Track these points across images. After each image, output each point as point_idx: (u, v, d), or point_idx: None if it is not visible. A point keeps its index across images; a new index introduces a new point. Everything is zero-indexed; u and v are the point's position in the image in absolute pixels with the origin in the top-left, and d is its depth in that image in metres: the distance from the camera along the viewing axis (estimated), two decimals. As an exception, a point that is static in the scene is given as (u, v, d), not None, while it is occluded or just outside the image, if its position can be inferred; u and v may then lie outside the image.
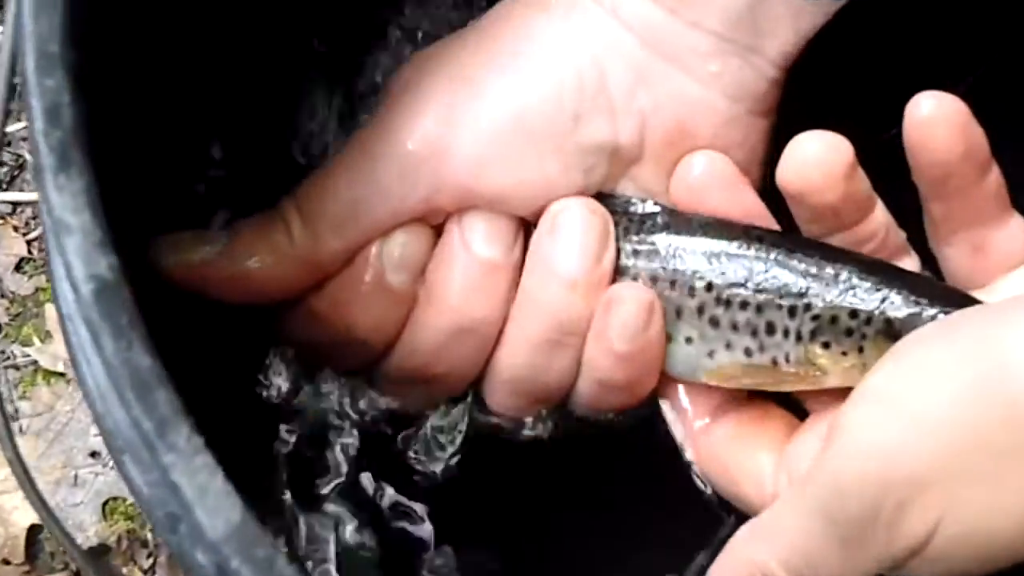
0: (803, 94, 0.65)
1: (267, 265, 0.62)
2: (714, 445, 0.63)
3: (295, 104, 0.67)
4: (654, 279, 0.63)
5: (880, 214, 0.62)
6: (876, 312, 0.59)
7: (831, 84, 0.71)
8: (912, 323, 0.58)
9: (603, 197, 0.64)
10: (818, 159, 0.59)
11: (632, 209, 0.64)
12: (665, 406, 0.64)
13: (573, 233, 0.61)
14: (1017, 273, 0.61)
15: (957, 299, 0.59)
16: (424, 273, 0.63)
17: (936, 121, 0.58)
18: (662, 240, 0.63)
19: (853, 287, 0.60)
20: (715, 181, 0.63)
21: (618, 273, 0.63)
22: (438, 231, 0.64)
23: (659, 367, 0.63)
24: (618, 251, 0.63)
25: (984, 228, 0.60)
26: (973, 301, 0.59)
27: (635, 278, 0.63)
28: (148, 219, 0.57)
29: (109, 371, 0.35)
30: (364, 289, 0.63)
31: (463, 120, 0.61)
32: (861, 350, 0.60)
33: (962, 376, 0.50)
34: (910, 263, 0.63)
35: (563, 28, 0.62)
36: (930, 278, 0.62)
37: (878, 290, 0.60)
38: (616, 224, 0.63)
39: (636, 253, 0.63)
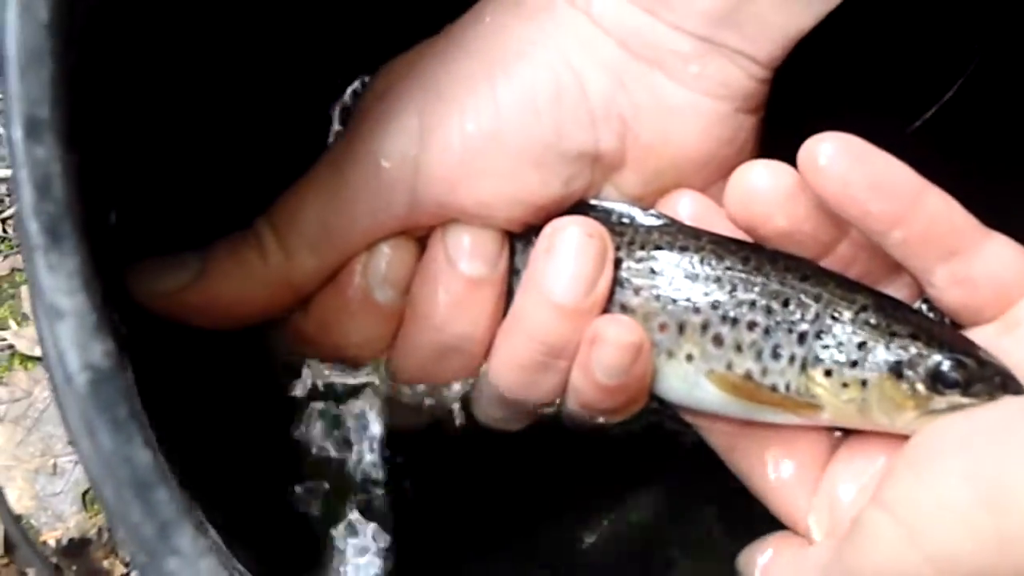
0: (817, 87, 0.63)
1: (242, 287, 0.60)
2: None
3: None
4: (656, 295, 0.61)
5: (858, 236, 0.60)
6: (882, 347, 0.58)
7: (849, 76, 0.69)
8: (917, 364, 0.57)
9: (603, 209, 0.62)
10: (759, 187, 0.59)
11: (636, 220, 0.62)
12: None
13: (568, 258, 0.59)
14: (1021, 304, 0.59)
15: (960, 345, 0.58)
16: (410, 289, 0.61)
17: (832, 170, 0.56)
18: (667, 255, 0.61)
19: (866, 320, 0.58)
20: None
21: (620, 286, 0.61)
22: (422, 243, 0.62)
23: (645, 395, 0.61)
24: (620, 263, 0.61)
25: (958, 259, 0.58)
26: (973, 349, 0.58)
27: (637, 292, 0.61)
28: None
29: (108, 468, 0.33)
30: (351, 307, 0.61)
31: (437, 136, 0.59)
32: (864, 384, 0.58)
33: (985, 529, 0.49)
34: (900, 285, 0.62)
35: (538, 34, 0.59)
36: (939, 323, 0.60)
37: (888, 326, 0.58)
38: (620, 234, 0.61)
39: (639, 266, 0.61)
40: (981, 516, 0.50)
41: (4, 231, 1.08)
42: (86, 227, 0.34)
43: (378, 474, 0.67)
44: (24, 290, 1.05)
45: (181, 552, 0.32)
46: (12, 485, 1.00)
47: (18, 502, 0.98)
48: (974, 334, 0.59)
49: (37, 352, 1.02)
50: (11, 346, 1.03)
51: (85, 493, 0.98)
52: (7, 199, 1.08)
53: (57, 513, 0.97)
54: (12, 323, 1.04)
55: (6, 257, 1.07)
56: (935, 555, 0.51)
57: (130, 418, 0.33)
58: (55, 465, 0.99)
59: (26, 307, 1.04)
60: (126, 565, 0.96)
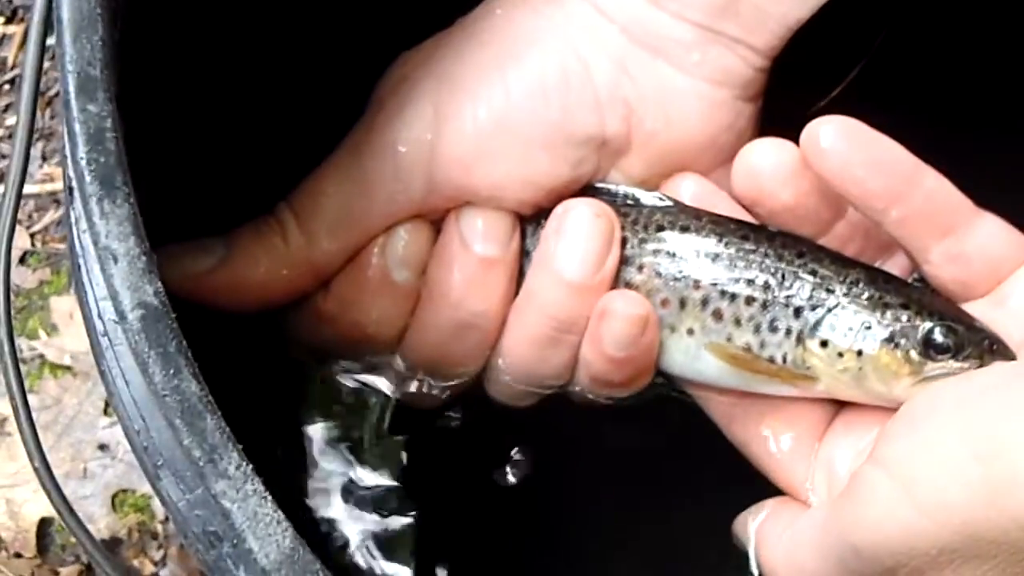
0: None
1: (265, 270, 0.63)
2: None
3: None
4: (658, 271, 0.63)
5: (854, 216, 0.63)
6: (875, 317, 0.61)
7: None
8: (910, 332, 0.60)
9: (609, 192, 0.65)
10: (762, 164, 0.62)
11: (641, 201, 0.65)
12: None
13: (578, 237, 0.62)
14: (1013, 279, 0.61)
15: (950, 313, 0.61)
16: (426, 270, 0.64)
17: (833, 151, 0.60)
18: (669, 234, 0.64)
19: (859, 293, 0.61)
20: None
21: (625, 264, 0.64)
22: (437, 226, 0.65)
23: (652, 367, 0.64)
24: (625, 242, 0.64)
25: (952, 237, 0.61)
26: (963, 316, 0.61)
27: (640, 269, 0.64)
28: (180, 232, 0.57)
29: (157, 398, 0.36)
30: (370, 286, 0.64)
31: (451, 122, 0.62)
32: (859, 354, 0.61)
33: (976, 480, 0.52)
34: (898, 261, 0.65)
35: (546, 24, 0.63)
36: (932, 293, 0.63)
37: (881, 297, 0.61)
38: (624, 215, 0.64)
39: (643, 245, 0.64)
40: (973, 468, 0.52)
41: (33, 245, 1.11)
42: (134, 180, 0.37)
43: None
44: (53, 301, 1.09)
45: (229, 475, 0.35)
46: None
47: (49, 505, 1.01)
48: (967, 308, 0.62)
49: (66, 361, 1.06)
50: (41, 355, 1.06)
51: (114, 496, 1.01)
52: (35, 215, 1.12)
53: (87, 515, 1.00)
54: (43, 333, 1.07)
55: (35, 270, 1.11)
56: (929, 507, 0.53)
57: (178, 352, 0.36)
58: (85, 469, 1.03)
59: (55, 318, 1.08)
60: (154, 564, 0.99)
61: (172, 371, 0.36)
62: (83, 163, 0.36)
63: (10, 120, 1.16)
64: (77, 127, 0.36)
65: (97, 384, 1.05)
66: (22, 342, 1.07)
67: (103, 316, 0.38)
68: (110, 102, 0.37)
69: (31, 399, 1.04)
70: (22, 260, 1.11)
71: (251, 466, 0.36)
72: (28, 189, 1.12)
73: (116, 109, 0.37)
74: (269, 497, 0.36)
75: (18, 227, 1.11)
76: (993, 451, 0.52)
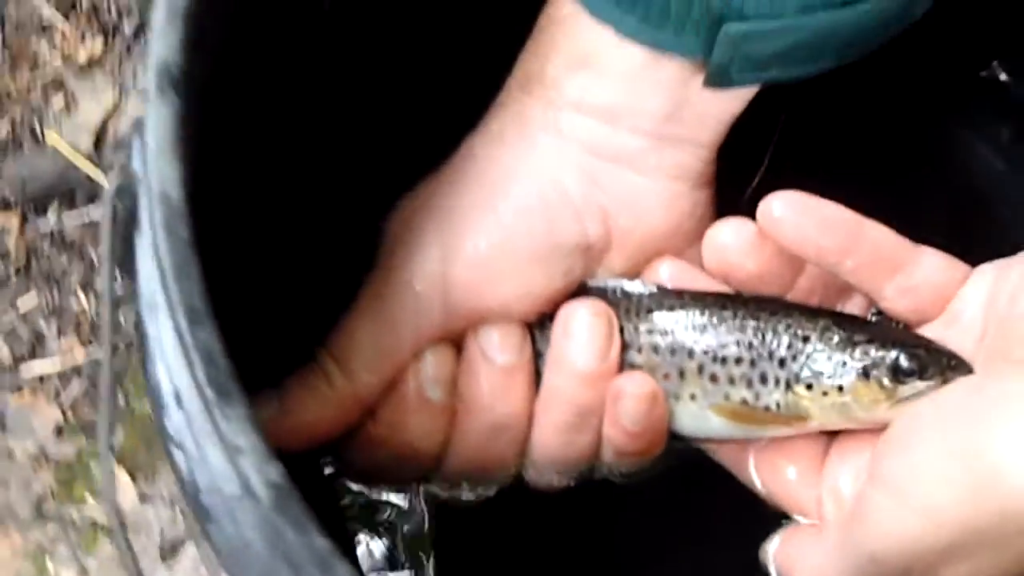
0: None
1: (318, 412, 0.72)
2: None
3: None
4: (656, 349, 0.72)
5: (812, 270, 0.72)
6: (848, 356, 0.70)
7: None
8: (876, 362, 0.69)
9: (600, 288, 0.74)
10: (728, 242, 0.71)
11: (629, 291, 0.74)
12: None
13: (583, 335, 0.71)
14: (958, 299, 0.71)
15: (911, 341, 0.70)
16: (457, 385, 0.73)
17: (786, 220, 0.69)
18: (659, 315, 0.73)
19: (831, 337, 0.70)
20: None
21: (626, 348, 0.73)
22: (458, 345, 0.74)
23: (665, 433, 0.73)
24: (623, 330, 0.73)
25: (899, 275, 0.70)
26: (922, 341, 0.70)
27: (640, 351, 0.72)
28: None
29: (289, 558, 0.44)
30: (410, 407, 0.73)
31: (457, 256, 0.71)
32: (841, 389, 0.70)
33: (962, 481, 0.60)
34: (857, 302, 0.74)
35: (521, 158, 0.72)
36: (891, 325, 0.72)
37: (850, 337, 0.70)
38: (618, 307, 0.73)
39: (638, 329, 0.73)
40: (957, 472, 0.60)
41: (64, 418, 1.19)
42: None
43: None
44: (94, 466, 1.17)
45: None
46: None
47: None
48: (923, 331, 0.71)
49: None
50: (93, 520, 1.14)
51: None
52: (61, 389, 1.20)
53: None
54: (89, 498, 1.15)
55: (71, 440, 1.18)
56: (925, 510, 0.61)
57: (309, 518, 0.45)
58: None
59: (99, 481, 1.16)
60: None
61: (306, 534, 0.44)
62: (203, 380, 0.45)
63: (22, 304, 1.24)
64: (194, 354, 0.45)
65: (151, 537, 1.13)
66: (72, 510, 1.14)
67: (227, 493, 0.47)
68: (216, 327, 0.46)
69: (91, 563, 1.12)
70: (58, 433, 1.19)
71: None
72: (51, 366, 1.21)
73: (220, 332, 0.46)
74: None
75: (48, 403, 1.19)
76: (972, 454, 0.60)
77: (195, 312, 0.45)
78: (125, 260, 0.55)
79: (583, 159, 0.72)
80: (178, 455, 0.54)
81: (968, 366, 0.68)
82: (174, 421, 0.53)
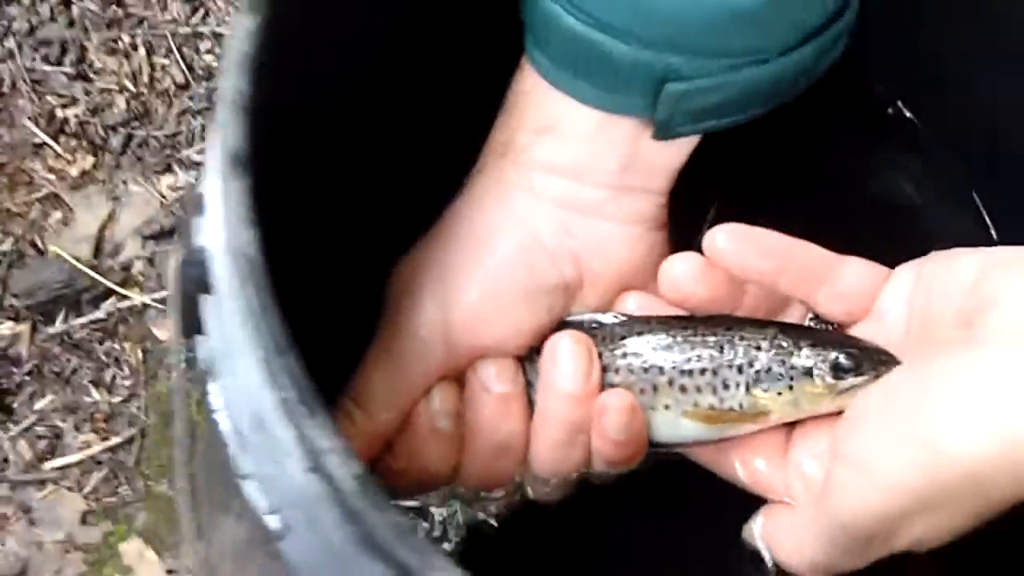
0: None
1: None
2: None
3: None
4: (631, 369, 0.82)
5: (755, 288, 0.83)
6: (795, 360, 0.80)
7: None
8: (819, 364, 0.79)
9: (577, 321, 0.85)
10: (680, 273, 0.81)
11: (603, 322, 0.84)
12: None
13: (567, 362, 0.82)
14: (882, 297, 0.81)
15: (847, 343, 0.80)
16: (462, 415, 0.83)
17: (728, 249, 0.80)
18: (630, 340, 0.83)
19: (779, 345, 0.80)
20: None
21: (605, 370, 0.83)
22: (459, 380, 0.84)
23: (646, 442, 0.83)
24: (601, 355, 0.83)
25: (828, 284, 0.81)
26: (856, 342, 0.80)
27: (617, 372, 0.82)
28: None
29: (375, 543, 0.55)
30: (423, 438, 0.83)
31: (455, 304, 0.82)
32: (791, 388, 0.80)
33: (911, 454, 0.69)
34: (796, 310, 0.85)
35: (501, 215, 0.83)
36: (828, 331, 0.83)
37: (796, 344, 0.80)
38: (595, 336, 0.83)
39: (613, 353, 0.83)
40: (908, 447, 0.69)
41: (88, 505, 1.28)
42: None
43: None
44: (121, 547, 1.25)
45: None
46: None
47: None
48: (854, 331, 0.82)
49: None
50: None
51: None
52: (82, 479, 1.29)
53: None
54: (118, 576, 1.24)
55: (97, 525, 1.27)
56: (883, 482, 0.70)
57: (386, 500, 0.54)
58: None
59: (127, 560, 1.25)
60: None
61: (383, 509, 0.54)
62: (292, 399, 0.54)
63: (39, 405, 1.33)
64: (282, 378, 0.54)
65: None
66: (104, 590, 1.23)
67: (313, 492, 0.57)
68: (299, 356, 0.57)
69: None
70: (83, 520, 1.27)
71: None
72: (71, 457, 1.30)
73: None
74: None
75: (73, 493, 1.28)
76: (916, 429, 0.69)
77: (280, 344, 0.55)
78: (188, 328, 0.66)
79: (555, 212, 0.83)
80: (250, 486, 0.64)
81: (896, 360, 0.78)
82: (251, 449, 0.63)
